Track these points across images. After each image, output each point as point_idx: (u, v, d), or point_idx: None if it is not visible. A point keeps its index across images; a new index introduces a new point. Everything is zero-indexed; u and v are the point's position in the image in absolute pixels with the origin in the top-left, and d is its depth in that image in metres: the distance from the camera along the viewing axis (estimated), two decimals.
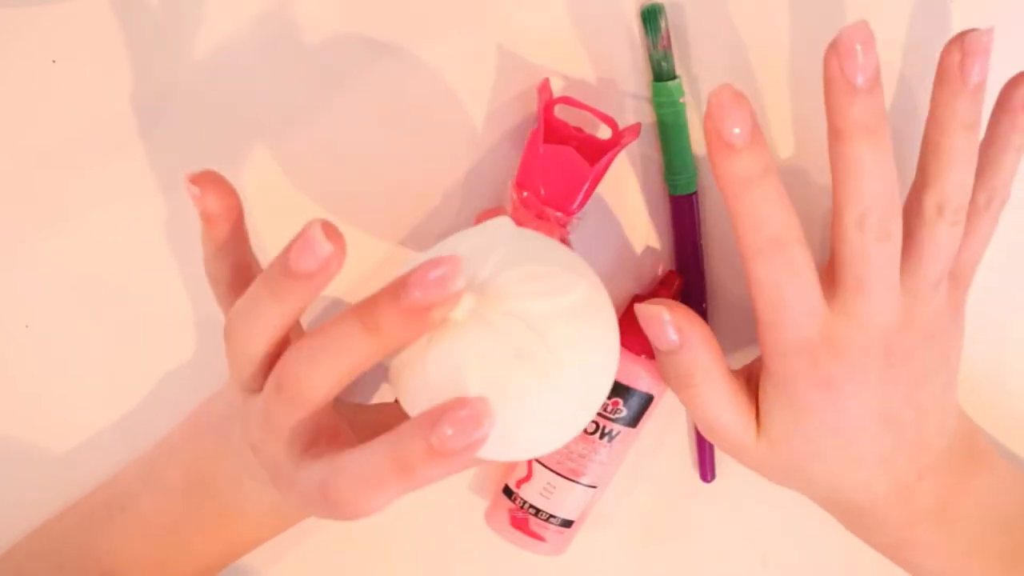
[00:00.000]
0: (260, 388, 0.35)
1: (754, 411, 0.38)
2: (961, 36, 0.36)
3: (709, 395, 0.38)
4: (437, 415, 0.29)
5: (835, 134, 0.35)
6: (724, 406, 0.38)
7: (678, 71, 0.43)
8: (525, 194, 0.41)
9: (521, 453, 0.35)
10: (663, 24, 0.42)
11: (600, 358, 0.34)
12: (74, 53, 0.43)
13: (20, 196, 0.44)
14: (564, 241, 0.43)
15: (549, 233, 0.42)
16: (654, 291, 0.45)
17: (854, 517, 0.40)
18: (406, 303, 0.30)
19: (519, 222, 0.42)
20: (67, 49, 0.43)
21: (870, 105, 0.34)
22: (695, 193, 0.44)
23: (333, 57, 0.43)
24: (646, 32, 0.43)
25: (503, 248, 0.34)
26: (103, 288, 0.45)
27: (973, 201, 0.38)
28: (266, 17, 0.43)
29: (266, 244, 0.44)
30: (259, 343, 0.33)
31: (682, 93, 0.43)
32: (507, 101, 0.44)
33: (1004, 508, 0.41)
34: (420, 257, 0.33)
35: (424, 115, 0.44)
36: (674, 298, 0.45)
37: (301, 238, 0.30)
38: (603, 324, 0.34)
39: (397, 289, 0.30)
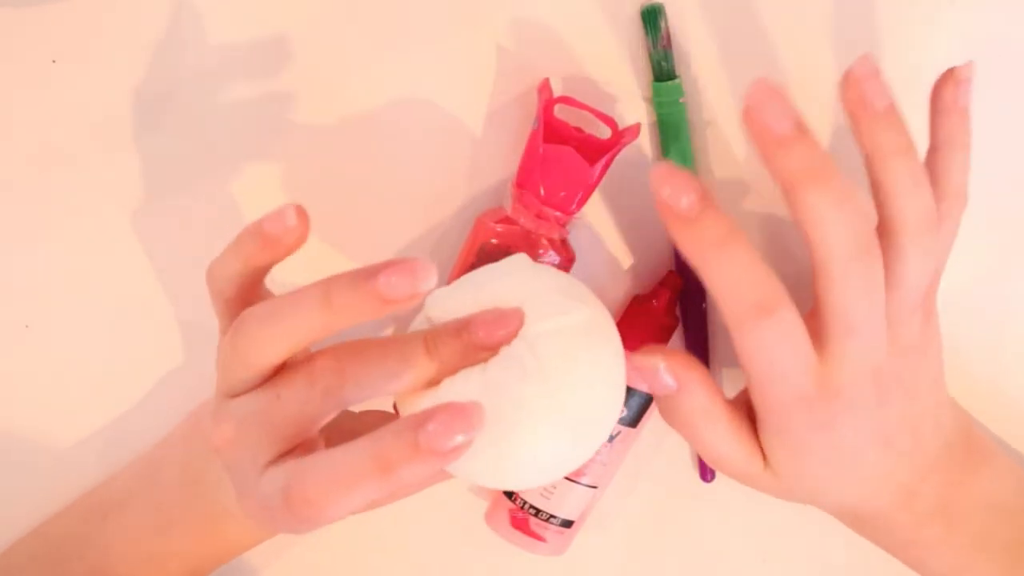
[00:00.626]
0: (242, 393, 0.34)
1: (756, 442, 0.38)
2: (848, 72, 0.35)
3: (711, 434, 0.37)
4: (427, 414, 0.29)
5: (786, 188, 0.33)
6: (727, 442, 0.38)
7: (678, 71, 0.43)
8: (525, 194, 0.41)
9: (517, 481, 0.35)
10: (663, 24, 0.42)
11: (602, 381, 0.34)
12: (74, 53, 0.43)
13: (20, 196, 0.44)
14: (564, 241, 0.43)
15: (549, 233, 0.42)
16: (654, 291, 0.44)
17: (861, 523, 0.40)
18: (369, 287, 0.30)
19: (519, 222, 0.42)
20: (67, 49, 0.43)
21: (804, 151, 0.33)
22: None
23: (332, 58, 0.43)
24: (646, 32, 0.43)
25: (521, 282, 0.35)
26: (103, 289, 0.45)
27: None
28: (266, 17, 0.43)
29: None
30: (267, 352, 0.33)
31: (682, 93, 0.43)
32: (507, 101, 0.44)
33: (1006, 500, 0.41)
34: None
35: (424, 115, 0.44)
36: (674, 298, 0.45)
37: (275, 212, 0.33)
38: (608, 352, 0.35)
39: (364, 276, 0.31)
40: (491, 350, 0.33)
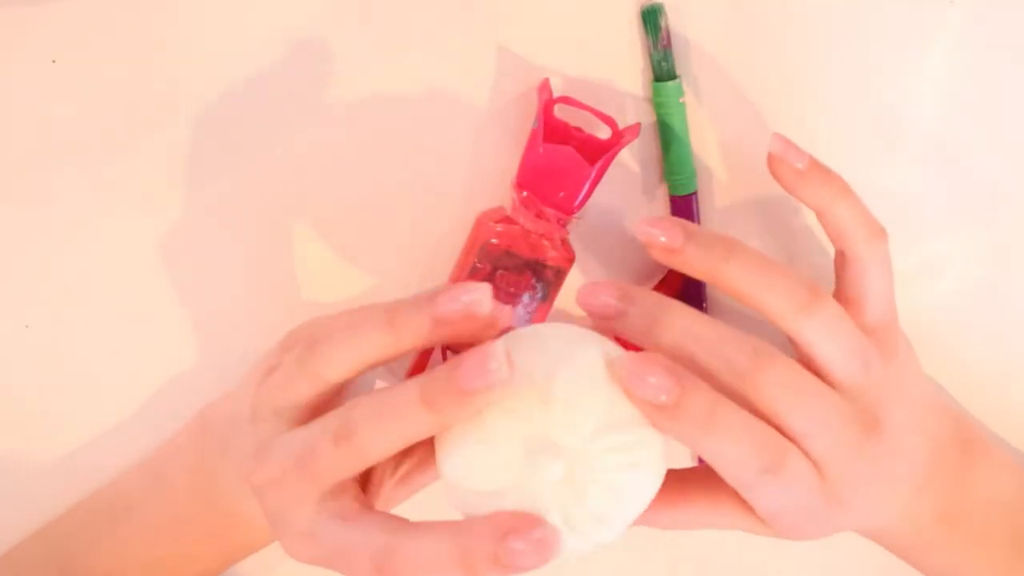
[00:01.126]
0: (299, 422, 0.35)
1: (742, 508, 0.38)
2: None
3: (722, 524, 0.38)
4: (509, 528, 0.31)
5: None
6: (736, 522, 0.38)
7: (678, 71, 0.43)
8: (525, 194, 0.41)
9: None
10: (663, 24, 0.42)
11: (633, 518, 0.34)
12: (74, 53, 0.43)
13: (20, 196, 0.44)
14: (564, 241, 0.43)
15: (549, 233, 0.42)
16: (654, 291, 0.44)
17: (865, 535, 0.41)
18: (460, 386, 0.31)
19: (519, 222, 0.42)
20: (67, 49, 0.43)
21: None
22: (695, 193, 0.44)
23: (333, 58, 0.43)
24: (646, 32, 0.43)
25: (601, 404, 0.32)
26: (103, 289, 0.45)
27: (843, 258, 0.39)
28: (266, 17, 0.43)
29: (264, 247, 0.44)
30: (341, 369, 0.34)
31: (682, 93, 0.43)
32: (507, 101, 0.44)
33: (1004, 495, 0.41)
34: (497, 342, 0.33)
35: (424, 115, 0.44)
36: (673, 298, 0.45)
37: (449, 291, 0.33)
38: (657, 482, 0.34)
39: (456, 373, 0.31)
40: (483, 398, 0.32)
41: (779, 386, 0.34)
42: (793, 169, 0.38)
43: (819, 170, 0.38)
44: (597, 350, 0.33)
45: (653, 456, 0.33)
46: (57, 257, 0.44)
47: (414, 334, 0.33)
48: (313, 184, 0.44)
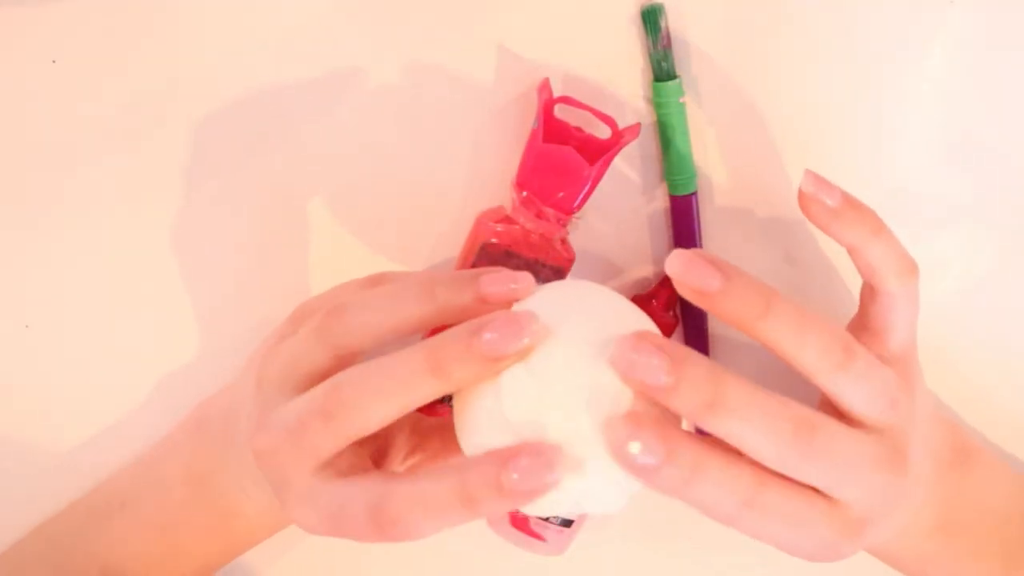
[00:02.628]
0: (306, 388, 0.34)
1: None
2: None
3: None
4: (509, 456, 0.30)
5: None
6: None
7: (678, 71, 0.43)
8: (525, 194, 0.41)
9: (575, 508, 0.34)
10: (663, 24, 0.42)
11: None
12: (74, 53, 0.43)
13: (20, 196, 0.44)
14: (564, 241, 0.43)
15: (549, 233, 0.42)
16: (654, 291, 0.44)
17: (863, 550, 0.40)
18: (478, 348, 0.31)
19: (519, 222, 0.42)
20: (67, 49, 0.43)
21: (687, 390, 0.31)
22: (695, 193, 0.44)
23: (333, 58, 0.43)
24: (646, 32, 0.43)
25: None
26: (103, 288, 0.45)
27: (872, 291, 0.38)
28: (266, 18, 0.43)
29: (266, 245, 0.44)
30: (366, 337, 0.34)
31: (682, 93, 0.43)
32: (507, 101, 0.44)
33: (998, 505, 0.40)
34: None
35: (424, 115, 0.44)
36: (673, 298, 0.45)
37: (498, 273, 0.34)
38: None
39: (470, 334, 0.31)
40: (502, 362, 0.32)
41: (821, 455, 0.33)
42: (825, 207, 0.36)
43: (852, 206, 0.37)
44: (595, 322, 0.33)
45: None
46: (57, 257, 0.44)
47: (453, 309, 0.33)
48: (313, 184, 0.44)
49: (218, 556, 0.42)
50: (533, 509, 0.33)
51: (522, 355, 0.31)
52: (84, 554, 0.42)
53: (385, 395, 0.32)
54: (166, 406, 0.45)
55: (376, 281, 0.39)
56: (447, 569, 0.49)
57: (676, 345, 0.32)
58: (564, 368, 0.32)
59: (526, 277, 0.34)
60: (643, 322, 0.34)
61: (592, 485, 0.32)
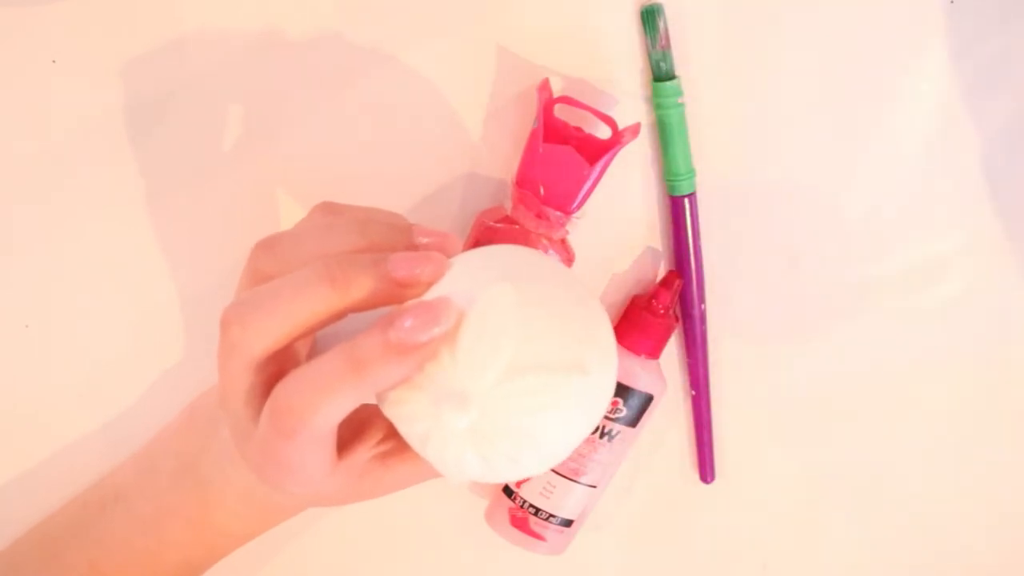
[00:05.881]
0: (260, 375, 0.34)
1: None
2: None
3: None
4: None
5: None
6: None
7: (677, 71, 0.43)
8: (525, 194, 0.41)
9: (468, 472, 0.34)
10: (662, 24, 0.42)
11: (560, 458, 0.34)
12: (74, 53, 0.43)
13: (20, 196, 0.44)
14: (563, 242, 0.43)
15: (549, 233, 0.42)
16: (654, 291, 0.45)
17: None
18: (393, 344, 0.30)
19: (519, 222, 0.42)
20: (67, 49, 0.43)
21: None
22: (694, 193, 0.44)
23: (333, 58, 0.43)
24: (645, 32, 0.43)
25: (512, 338, 0.32)
26: (102, 288, 0.45)
27: None
28: (266, 18, 0.43)
29: None
30: (273, 341, 0.32)
31: (681, 93, 0.43)
32: (507, 101, 0.44)
33: None
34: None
35: (425, 115, 0.44)
36: (673, 298, 0.45)
37: (415, 254, 0.32)
38: (588, 425, 0.34)
39: (382, 330, 0.31)
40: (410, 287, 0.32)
41: None
42: None
43: None
44: (511, 285, 0.33)
45: (567, 397, 0.32)
46: (56, 257, 0.44)
47: (359, 294, 0.32)
48: (312, 184, 0.44)
49: (205, 551, 0.42)
50: (446, 467, 0.33)
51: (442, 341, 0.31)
52: (76, 549, 0.42)
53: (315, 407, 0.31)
54: (163, 405, 0.45)
55: (329, 211, 0.37)
56: (447, 568, 0.49)
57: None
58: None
59: (436, 260, 0.32)
60: (559, 275, 0.34)
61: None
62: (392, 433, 0.36)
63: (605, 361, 0.34)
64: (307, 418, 0.31)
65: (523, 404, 0.32)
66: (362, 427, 0.37)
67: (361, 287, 0.31)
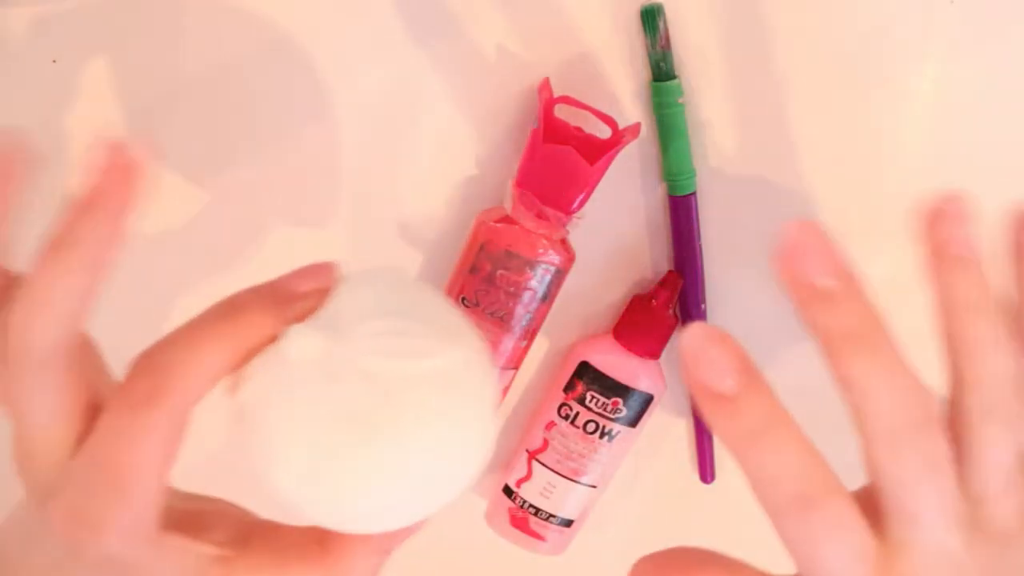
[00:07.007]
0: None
1: None
2: (937, 210, 0.31)
3: None
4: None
5: (826, 350, 0.30)
6: None
7: (677, 71, 0.43)
8: (525, 194, 0.41)
9: (353, 524, 0.29)
10: (662, 24, 0.42)
11: (454, 439, 0.29)
12: (74, 53, 0.43)
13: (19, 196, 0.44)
14: (563, 242, 0.43)
15: (549, 233, 0.42)
16: (654, 291, 0.45)
17: None
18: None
19: (519, 222, 0.42)
20: (67, 49, 0.43)
21: (851, 309, 0.29)
22: (694, 193, 0.44)
23: (333, 57, 0.43)
24: (645, 32, 0.43)
25: (380, 296, 0.29)
26: (101, 288, 0.45)
27: None
28: (266, 18, 0.43)
29: (262, 246, 0.44)
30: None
31: (681, 93, 0.43)
32: (507, 101, 0.44)
33: None
34: None
35: (424, 115, 0.44)
36: (673, 298, 0.45)
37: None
38: (467, 403, 0.29)
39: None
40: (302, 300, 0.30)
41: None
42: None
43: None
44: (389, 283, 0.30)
45: (437, 351, 0.29)
46: None
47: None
48: (312, 184, 0.44)
49: None
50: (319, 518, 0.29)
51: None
52: None
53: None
54: None
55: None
56: (447, 569, 0.49)
57: None
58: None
59: (326, 267, 0.31)
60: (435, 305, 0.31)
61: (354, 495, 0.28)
62: (239, 540, 0.31)
63: (464, 345, 0.30)
64: (178, 372, 0.28)
65: (384, 344, 0.28)
66: (202, 520, 0.32)
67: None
